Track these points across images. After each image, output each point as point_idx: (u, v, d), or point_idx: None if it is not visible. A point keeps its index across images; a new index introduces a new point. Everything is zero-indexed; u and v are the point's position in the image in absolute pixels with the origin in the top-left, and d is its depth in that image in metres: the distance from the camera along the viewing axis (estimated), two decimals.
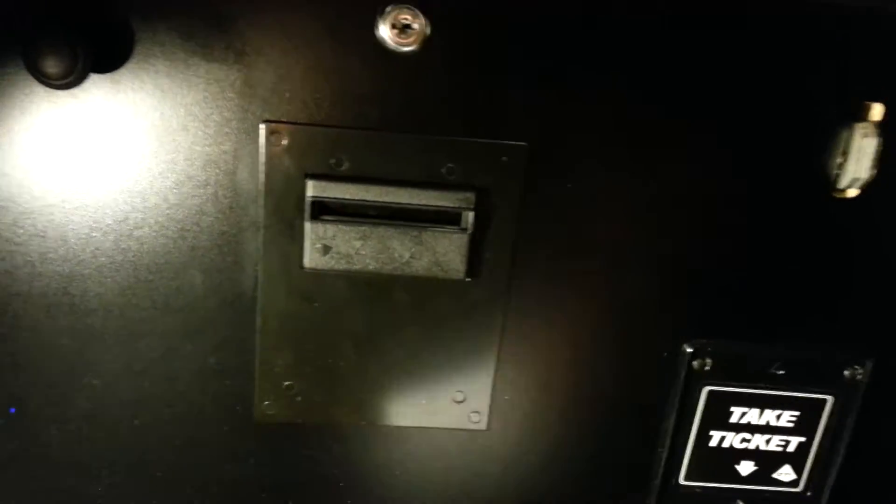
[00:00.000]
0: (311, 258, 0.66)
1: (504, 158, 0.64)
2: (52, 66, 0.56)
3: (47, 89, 0.60)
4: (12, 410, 0.70)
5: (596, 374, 0.74)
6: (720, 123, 0.67)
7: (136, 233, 0.66)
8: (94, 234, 0.65)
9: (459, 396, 0.73)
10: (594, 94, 0.65)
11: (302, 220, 0.65)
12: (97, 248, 0.66)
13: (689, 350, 0.72)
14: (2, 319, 0.67)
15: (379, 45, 0.62)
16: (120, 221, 0.65)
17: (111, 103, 0.62)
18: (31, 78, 0.59)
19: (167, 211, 0.65)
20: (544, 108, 0.64)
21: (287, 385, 0.71)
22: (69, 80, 0.57)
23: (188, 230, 0.66)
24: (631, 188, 0.68)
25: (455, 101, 0.64)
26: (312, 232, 0.65)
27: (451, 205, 0.65)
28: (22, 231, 0.65)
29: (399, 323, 0.69)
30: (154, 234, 0.66)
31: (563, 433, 0.76)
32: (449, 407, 0.73)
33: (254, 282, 0.68)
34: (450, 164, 0.65)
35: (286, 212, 0.65)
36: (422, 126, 0.64)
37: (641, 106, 0.66)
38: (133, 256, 0.66)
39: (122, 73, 0.61)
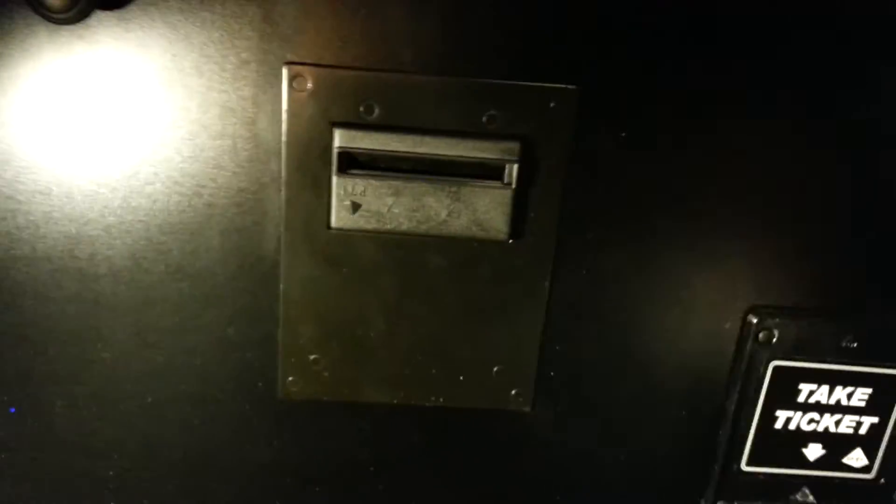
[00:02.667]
0: (338, 217, 0.61)
1: (552, 104, 0.59)
2: None
3: (49, 26, 0.55)
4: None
5: (651, 348, 0.68)
6: (796, 81, 0.60)
7: (147, 189, 0.61)
8: (101, 191, 0.61)
9: (500, 373, 0.67)
10: (655, 32, 0.58)
11: (328, 174, 0.60)
12: (105, 207, 0.61)
13: (754, 320, 0.66)
14: (3, 286, 0.62)
15: None
16: (129, 177, 0.60)
17: (118, 43, 0.57)
18: (31, 13, 0.54)
19: (181, 165, 0.60)
20: (597, 47, 0.58)
21: (313, 359, 0.65)
22: (72, 13, 0.52)
23: (204, 186, 0.60)
24: (692, 142, 0.61)
25: (497, 40, 0.58)
26: (340, 187, 0.60)
27: (493, 156, 0.60)
28: (23, 188, 0.60)
29: (434, 290, 0.63)
30: (167, 190, 0.61)
31: (613, 414, 0.69)
32: (489, 384, 0.68)
33: (276, 244, 0.63)
34: (491, 112, 0.59)
35: (311, 165, 0.60)
36: (460, 68, 0.59)
37: (705, 55, 0.59)
38: (144, 216, 0.61)
39: (131, 10, 0.56)
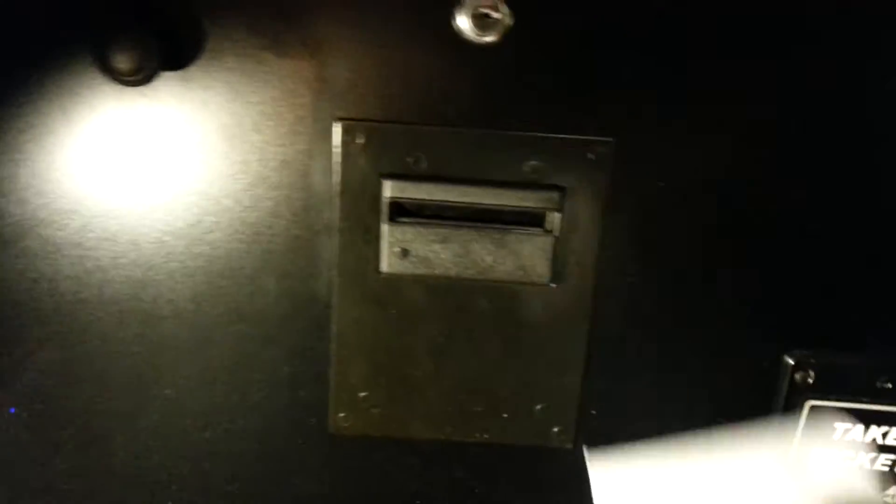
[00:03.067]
0: (388, 262, 0.63)
1: (590, 155, 0.61)
2: (123, 62, 0.54)
3: (116, 87, 0.58)
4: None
5: (689, 387, 0.69)
6: (824, 122, 0.62)
7: (208, 237, 0.63)
8: (166, 238, 0.64)
9: (543, 410, 0.69)
10: (688, 86, 0.61)
11: (378, 222, 0.63)
12: (169, 253, 0.64)
13: (791, 361, 0.67)
14: (71, 327, 0.66)
15: (457, 36, 0.58)
16: (192, 225, 0.63)
17: (181, 102, 0.60)
18: (99, 75, 0.57)
19: (240, 214, 0.63)
20: (633, 101, 0.60)
21: (362, 396, 0.68)
22: (141, 76, 0.55)
23: (261, 234, 0.63)
24: (725, 187, 0.63)
25: (538, 95, 0.61)
26: (390, 234, 0.62)
27: (535, 205, 0.62)
28: (92, 235, 0.63)
29: (479, 331, 0.66)
30: (227, 237, 0.63)
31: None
32: (531, 422, 0.69)
33: (328, 287, 0.65)
34: (533, 162, 0.62)
35: (362, 214, 0.63)
36: (503, 122, 0.61)
37: (739, 101, 0.61)
38: (205, 261, 0.64)
39: (192, 70, 0.59)
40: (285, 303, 0.66)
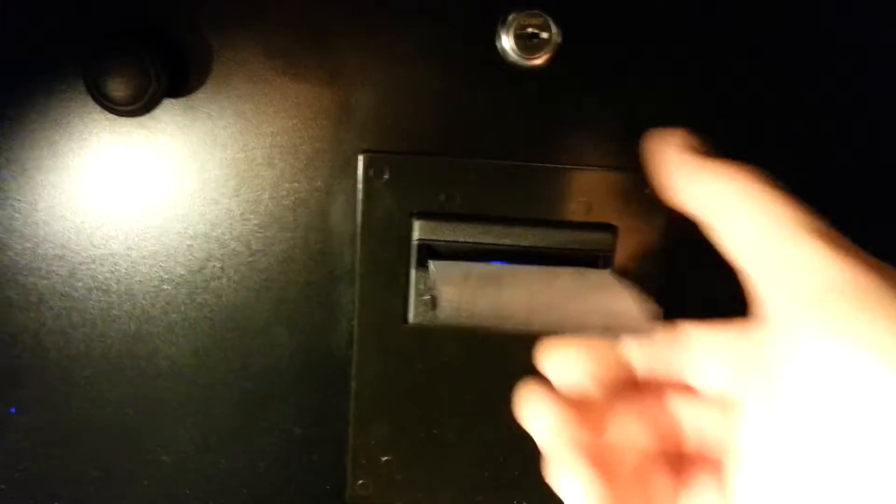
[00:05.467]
0: (416, 312, 0.57)
1: (647, 190, 0.54)
2: (119, 90, 0.47)
3: (111, 117, 0.52)
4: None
5: None
6: None
7: (212, 284, 0.57)
8: (164, 287, 0.57)
9: None
10: (756, 113, 0.55)
11: (407, 267, 0.56)
12: (168, 304, 0.58)
13: None
14: (58, 388, 0.59)
15: (500, 59, 0.53)
16: (195, 272, 0.57)
17: (184, 133, 0.54)
18: (92, 103, 0.50)
19: (249, 259, 0.57)
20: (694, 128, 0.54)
21: (385, 461, 0.61)
22: (139, 105, 0.48)
23: (273, 280, 0.57)
24: None
25: (588, 125, 0.55)
26: (419, 281, 0.56)
27: (586, 247, 0.56)
28: (81, 284, 0.57)
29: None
30: (234, 285, 0.57)
31: None
32: None
33: (348, 340, 0.59)
34: (582, 199, 0.56)
35: (387, 258, 0.56)
36: (549, 154, 0.55)
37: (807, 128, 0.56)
38: (209, 312, 0.58)
39: (198, 98, 0.53)
40: (299, 358, 0.59)
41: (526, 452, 0.59)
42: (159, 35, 0.51)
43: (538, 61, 0.52)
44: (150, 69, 0.48)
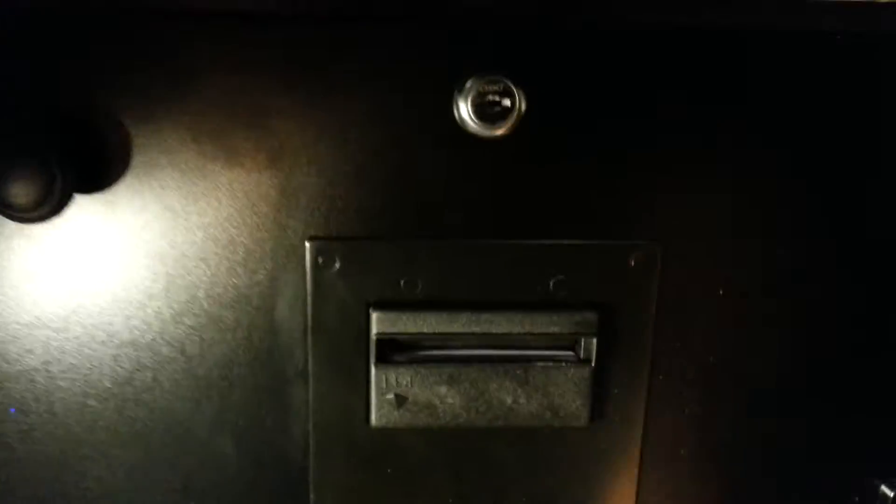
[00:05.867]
0: (379, 414, 0.52)
1: (632, 263, 0.49)
2: (19, 196, 0.40)
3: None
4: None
5: None
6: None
7: (144, 396, 0.52)
8: (89, 403, 0.52)
9: None
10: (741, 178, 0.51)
11: (366, 364, 0.51)
12: (94, 420, 0.52)
13: (890, 493, 0.57)
14: None
15: (459, 128, 0.47)
16: (122, 384, 0.51)
17: (103, 230, 0.48)
18: None
19: (185, 365, 0.51)
20: (678, 199, 0.49)
21: None
22: (43, 209, 0.42)
23: (213, 387, 0.52)
24: (798, 295, 0.53)
25: (561, 196, 0.50)
26: (380, 379, 0.51)
27: (566, 330, 0.51)
28: None
29: (499, 486, 0.53)
30: (169, 396, 0.52)
31: None
32: None
33: (303, 446, 0.53)
34: (559, 276, 0.51)
35: (344, 354, 0.51)
36: (519, 229, 0.50)
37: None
38: (141, 427, 0.52)
39: (117, 191, 0.48)
40: (248, 471, 0.54)
41: None
42: (69, 127, 0.45)
43: (500, 131, 0.46)
44: (54, 167, 0.41)
